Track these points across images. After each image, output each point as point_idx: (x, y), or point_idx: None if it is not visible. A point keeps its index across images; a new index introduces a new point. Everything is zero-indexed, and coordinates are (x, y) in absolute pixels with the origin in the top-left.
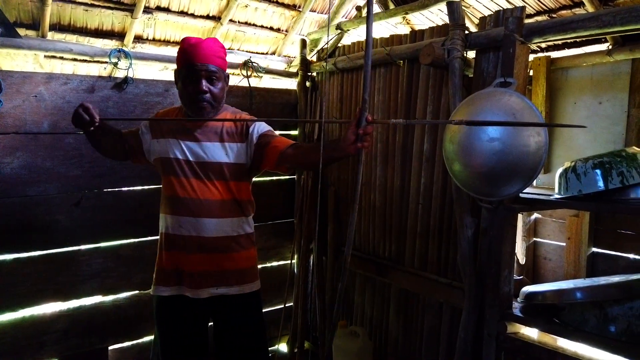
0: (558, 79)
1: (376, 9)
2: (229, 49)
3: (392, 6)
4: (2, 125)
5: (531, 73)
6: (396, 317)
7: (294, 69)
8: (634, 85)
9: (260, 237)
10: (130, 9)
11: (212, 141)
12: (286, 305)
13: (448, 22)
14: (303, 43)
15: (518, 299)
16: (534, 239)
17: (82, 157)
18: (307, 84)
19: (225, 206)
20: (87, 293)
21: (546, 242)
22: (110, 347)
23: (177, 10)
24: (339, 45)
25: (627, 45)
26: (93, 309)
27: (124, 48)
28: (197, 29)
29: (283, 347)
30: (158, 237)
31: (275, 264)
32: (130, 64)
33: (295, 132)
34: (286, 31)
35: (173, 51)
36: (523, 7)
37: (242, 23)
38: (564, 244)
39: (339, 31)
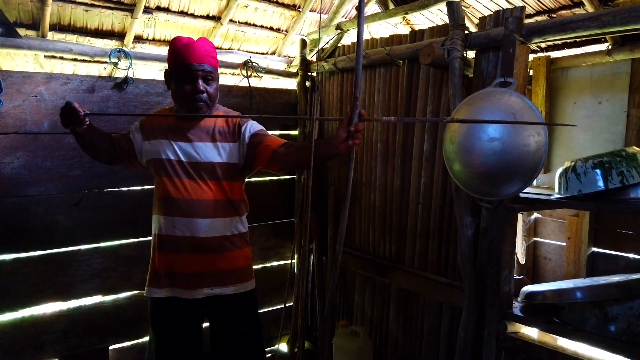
0: (558, 78)
1: (376, 9)
2: (229, 49)
3: (392, 6)
4: (3, 125)
5: (531, 73)
6: (396, 317)
7: (293, 69)
8: (634, 85)
9: (260, 237)
10: (130, 9)
11: (205, 141)
12: (286, 305)
13: (448, 22)
14: (303, 43)
15: (518, 298)
16: (534, 238)
17: (82, 157)
18: (307, 84)
19: (218, 206)
20: (87, 293)
21: (546, 241)
22: (110, 347)
23: (177, 10)
24: (339, 45)
25: (626, 45)
26: (93, 309)
27: (124, 48)
28: (197, 29)
29: (283, 347)
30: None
31: (275, 264)
32: (131, 64)
33: (295, 132)
34: (286, 31)
35: None
36: (523, 7)
37: (242, 23)
38: (564, 244)
39: (338, 31)
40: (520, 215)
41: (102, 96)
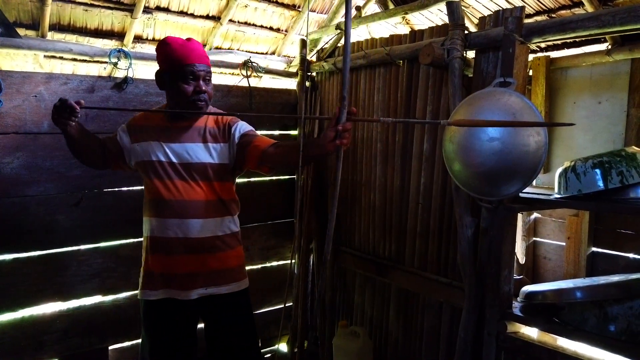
0: (557, 78)
1: (376, 8)
2: (228, 48)
3: (391, 6)
4: (2, 125)
5: (531, 73)
6: (396, 317)
7: (293, 69)
8: (633, 85)
9: (260, 237)
10: (130, 9)
11: (196, 142)
12: (286, 305)
13: (448, 22)
14: (303, 43)
15: (518, 298)
16: (534, 238)
17: None
18: (307, 83)
19: (210, 206)
20: (87, 293)
21: (546, 241)
22: (110, 347)
23: (176, 10)
24: (339, 45)
25: (626, 45)
26: (93, 309)
27: (124, 48)
28: (196, 29)
29: (283, 347)
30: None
31: (275, 263)
32: (130, 64)
33: (295, 132)
34: (286, 31)
35: None
36: (522, 7)
37: (241, 23)
38: (564, 244)
39: (338, 31)
40: (520, 215)
41: (102, 96)
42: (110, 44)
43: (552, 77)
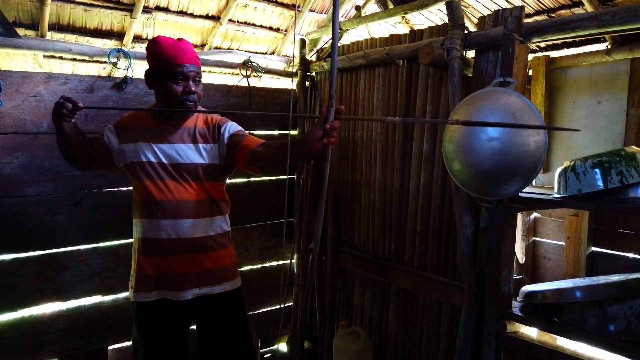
0: (557, 78)
1: (375, 8)
2: (228, 48)
3: (391, 6)
4: (2, 125)
5: (530, 72)
6: (396, 317)
7: (293, 69)
8: (633, 85)
9: (259, 237)
10: (130, 8)
11: (186, 143)
12: (286, 304)
13: (447, 21)
14: (302, 43)
15: (518, 298)
16: (534, 238)
17: None
18: (307, 83)
19: (202, 206)
20: (87, 293)
21: (546, 241)
22: (109, 347)
23: (176, 10)
24: (338, 45)
25: (626, 45)
26: (92, 309)
27: (123, 48)
28: (196, 29)
29: (283, 346)
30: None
31: (274, 263)
32: (130, 63)
33: (294, 132)
34: (285, 31)
35: None
36: (522, 7)
37: (241, 23)
38: (564, 243)
39: (338, 31)
40: (519, 215)
41: (102, 96)
42: (109, 44)
43: (551, 76)
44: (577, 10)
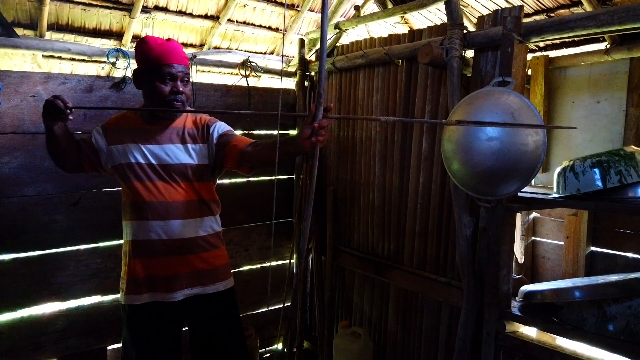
0: (556, 78)
1: (374, 8)
2: (227, 48)
3: (390, 5)
4: (0, 125)
5: (530, 72)
6: (395, 317)
7: (292, 69)
8: (632, 84)
9: (259, 237)
10: (129, 8)
11: (175, 143)
12: (285, 305)
13: (446, 21)
14: (301, 42)
15: (517, 298)
16: (533, 238)
17: None
18: (306, 83)
19: (192, 206)
20: (86, 293)
21: (545, 241)
22: (108, 347)
23: (175, 9)
24: (338, 44)
25: (625, 45)
26: (91, 309)
27: (122, 48)
28: (195, 29)
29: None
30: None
31: (274, 263)
32: (129, 63)
33: (293, 132)
34: (285, 31)
35: None
36: (521, 7)
37: (240, 22)
38: (563, 243)
39: (337, 30)
40: (519, 215)
41: (100, 96)
42: (108, 44)
43: (551, 76)
44: (576, 10)
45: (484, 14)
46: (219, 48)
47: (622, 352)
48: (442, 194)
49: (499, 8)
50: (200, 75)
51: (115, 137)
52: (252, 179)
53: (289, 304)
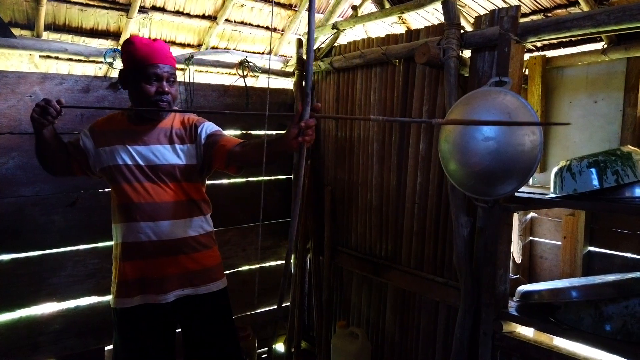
0: (553, 78)
1: (372, 8)
2: (225, 48)
3: (387, 5)
4: None
5: (527, 72)
6: (393, 317)
7: (290, 69)
8: (629, 84)
9: (256, 237)
10: (126, 8)
11: (162, 144)
12: (283, 305)
13: (444, 21)
14: (299, 42)
15: (514, 298)
16: (530, 237)
17: None
18: (303, 83)
19: (182, 207)
20: (83, 294)
21: (542, 241)
22: (106, 348)
23: (172, 10)
24: (335, 44)
25: (622, 44)
26: (89, 310)
27: (119, 48)
28: (192, 29)
29: (280, 346)
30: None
31: (272, 263)
32: None
33: None
34: (282, 31)
35: None
36: (518, 7)
37: (238, 22)
38: (560, 243)
39: (335, 30)
40: (516, 215)
41: (97, 96)
42: (106, 44)
43: (548, 76)
44: (573, 10)
45: (482, 14)
46: (216, 48)
47: (618, 353)
48: (440, 194)
49: (496, 8)
50: (197, 76)
51: (103, 139)
52: (250, 179)
53: (287, 304)
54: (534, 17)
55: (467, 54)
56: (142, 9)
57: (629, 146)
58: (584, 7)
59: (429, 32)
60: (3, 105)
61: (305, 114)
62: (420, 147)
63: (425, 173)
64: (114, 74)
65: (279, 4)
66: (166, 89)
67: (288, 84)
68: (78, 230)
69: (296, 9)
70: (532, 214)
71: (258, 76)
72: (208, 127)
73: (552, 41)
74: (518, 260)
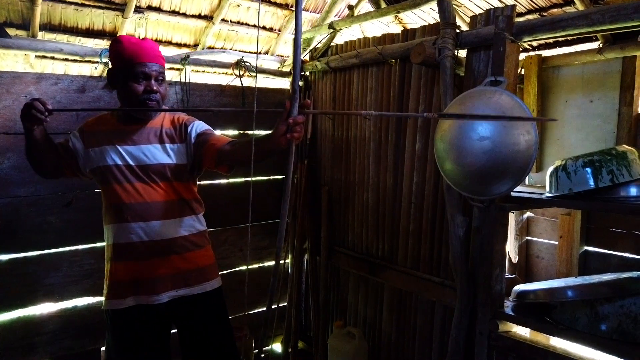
0: (549, 77)
1: (368, 7)
2: (221, 48)
3: (384, 5)
4: None
5: (523, 72)
6: (389, 316)
7: (287, 69)
8: (625, 84)
9: (254, 237)
10: (122, 8)
11: (153, 143)
12: (280, 305)
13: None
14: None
15: (510, 297)
16: (527, 237)
17: None
18: (300, 83)
19: (173, 206)
20: (79, 294)
21: (539, 240)
22: (102, 349)
23: (168, 9)
24: (332, 44)
25: (617, 44)
26: (85, 310)
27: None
28: (188, 29)
29: (277, 347)
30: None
31: (269, 263)
32: None
33: None
34: (279, 30)
35: (165, 51)
36: (513, 6)
37: (234, 22)
38: (556, 243)
39: (331, 30)
40: (512, 214)
41: (93, 96)
42: (101, 44)
43: (544, 75)
44: (569, 9)
45: (477, 13)
46: (213, 48)
47: (614, 352)
48: (436, 194)
49: (492, 7)
50: (194, 76)
51: (92, 139)
52: (249, 179)
53: (284, 304)
54: (530, 17)
55: (463, 53)
56: (138, 9)
57: (624, 145)
58: (580, 7)
59: (424, 32)
60: None
61: (294, 111)
62: (416, 147)
63: (422, 173)
64: None
65: (275, 4)
66: (154, 88)
67: (285, 83)
68: (74, 231)
69: (292, 8)
70: (528, 214)
71: (255, 76)
72: (198, 126)
73: (548, 41)
74: (514, 259)
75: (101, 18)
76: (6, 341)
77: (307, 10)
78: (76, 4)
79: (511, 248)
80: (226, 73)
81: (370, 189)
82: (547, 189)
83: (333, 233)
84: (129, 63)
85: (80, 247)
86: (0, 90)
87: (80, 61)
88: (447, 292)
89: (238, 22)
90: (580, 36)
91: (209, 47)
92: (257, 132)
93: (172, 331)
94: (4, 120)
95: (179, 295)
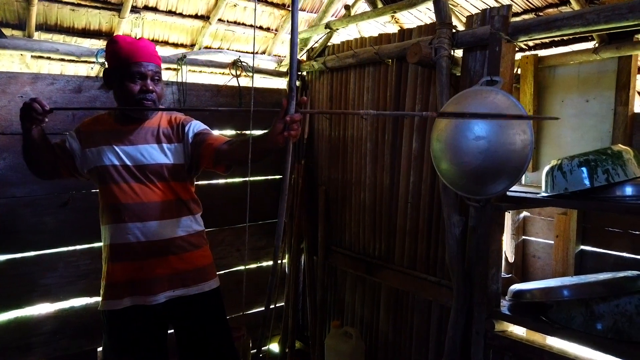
0: (545, 77)
1: (365, 7)
2: (218, 48)
3: (380, 5)
4: None
5: (519, 71)
6: (386, 316)
7: (283, 69)
8: (621, 83)
9: (251, 237)
10: (118, 8)
11: (150, 143)
12: (277, 305)
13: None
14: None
15: (506, 297)
16: (523, 237)
17: None
18: (297, 83)
19: (170, 207)
20: (76, 294)
21: (535, 240)
22: (99, 349)
23: (165, 9)
24: (329, 44)
25: (613, 43)
26: (82, 311)
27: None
28: (185, 29)
29: (274, 347)
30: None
31: (266, 263)
32: None
33: None
34: (276, 30)
35: (162, 51)
36: (509, 6)
37: (231, 22)
38: (553, 242)
39: (328, 30)
40: (508, 214)
41: (89, 96)
42: (98, 44)
43: (540, 75)
44: (565, 9)
45: (473, 13)
46: (209, 48)
47: (609, 351)
48: (432, 194)
49: (488, 7)
50: (191, 76)
51: (89, 140)
52: (246, 179)
53: (282, 304)
54: (526, 17)
55: (459, 53)
56: (134, 9)
57: (619, 145)
58: (575, 6)
59: (421, 32)
60: None
61: (291, 109)
62: (412, 147)
63: (418, 172)
64: None
65: (272, 4)
66: (150, 88)
67: (282, 83)
68: (70, 231)
69: (289, 8)
70: (524, 213)
71: (251, 76)
72: (195, 125)
73: (544, 40)
74: (511, 259)
75: (97, 18)
76: (2, 342)
77: (304, 10)
78: (72, 4)
79: (507, 247)
80: (223, 73)
81: (367, 189)
82: (543, 188)
83: (330, 233)
84: (125, 63)
85: (76, 247)
86: None
87: (77, 61)
88: (443, 292)
89: (235, 22)
90: (576, 36)
91: (206, 47)
92: (254, 132)
93: (169, 331)
94: (0, 121)
95: (176, 295)
